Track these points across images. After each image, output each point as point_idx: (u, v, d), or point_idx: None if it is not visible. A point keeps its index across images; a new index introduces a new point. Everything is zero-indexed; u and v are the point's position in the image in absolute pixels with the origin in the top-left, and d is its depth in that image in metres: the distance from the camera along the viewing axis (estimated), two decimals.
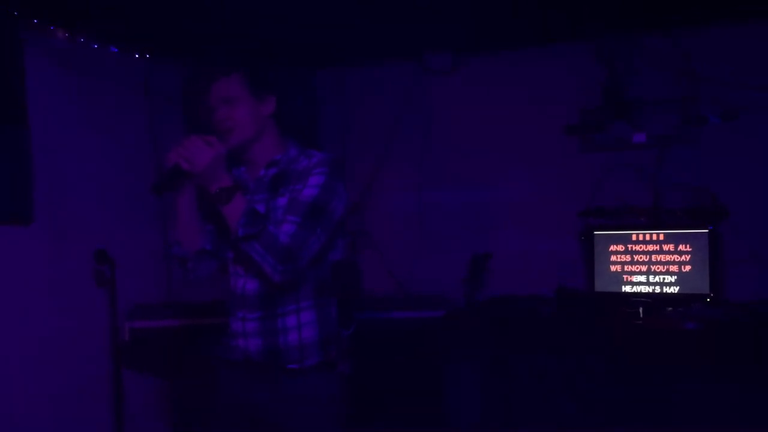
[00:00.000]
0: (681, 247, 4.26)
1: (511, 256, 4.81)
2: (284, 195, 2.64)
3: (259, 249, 2.49)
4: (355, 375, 2.79)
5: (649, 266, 4.33)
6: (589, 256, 4.52)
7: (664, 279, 4.30)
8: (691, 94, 4.46)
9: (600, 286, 4.46)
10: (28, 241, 3.94)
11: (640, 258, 4.36)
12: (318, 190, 2.58)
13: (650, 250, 4.34)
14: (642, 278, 4.36)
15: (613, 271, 4.44)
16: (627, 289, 4.40)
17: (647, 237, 4.35)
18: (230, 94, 2.65)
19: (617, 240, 4.43)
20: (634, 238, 4.39)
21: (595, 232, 4.50)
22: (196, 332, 4.24)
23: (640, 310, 4.11)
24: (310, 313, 2.67)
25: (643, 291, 4.35)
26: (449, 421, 4.44)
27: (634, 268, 4.39)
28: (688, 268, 4.24)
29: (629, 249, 4.39)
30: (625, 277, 4.41)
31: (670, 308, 4.10)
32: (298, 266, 2.53)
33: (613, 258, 4.45)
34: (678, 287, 4.27)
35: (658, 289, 4.32)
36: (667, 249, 4.30)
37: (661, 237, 4.31)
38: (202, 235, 2.74)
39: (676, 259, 4.27)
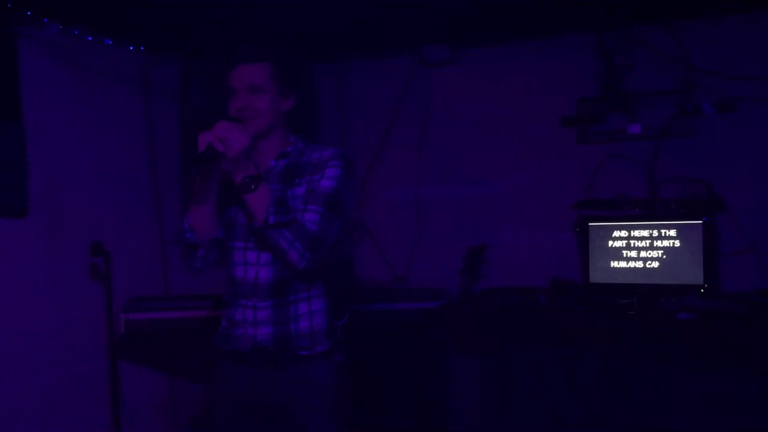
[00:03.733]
0: (675, 239, 4.26)
1: (507, 247, 4.83)
2: (301, 185, 2.68)
3: (288, 236, 2.53)
4: (351, 366, 2.81)
5: (644, 257, 4.33)
6: (584, 248, 4.51)
7: (658, 270, 4.29)
8: (687, 86, 4.46)
9: (595, 277, 4.46)
10: (24, 234, 3.95)
11: (635, 249, 4.36)
12: (336, 182, 2.64)
13: (645, 241, 4.33)
14: (636, 269, 4.35)
15: (608, 263, 4.43)
16: (621, 280, 4.39)
17: (642, 228, 4.35)
18: (259, 83, 2.68)
19: (612, 231, 4.42)
20: (628, 229, 4.38)
21: (590, 224, 4.48)
22: (192, 324, 4.26)
23: (635, 300, 4.12)
24: (319, 301, 2.73)
25: (637, 282, 4.33)
26: (446, 410, 4.46)
27: (628, 260, 4.38)
28: (682, 259, 4.23)
29: (624, 240, 4.39)
30: (619, 268, 4.40)
31: (663, 299, 4.10)
32: (321, 254, 2.59)
33: (608, 249, 4.44)
34: (672, 278, 4.25)
35: (652, 280, 4.31)
36: (661, 240, 4.29)
37: (656, 228, 4.31)
38: (217, 223, 2.75)
39: (671, 251, 4.26)
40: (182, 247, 2.81)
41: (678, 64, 4.47)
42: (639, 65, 4.58)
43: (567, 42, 4.74)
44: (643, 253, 4.33)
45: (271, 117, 2.71)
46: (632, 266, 4.36)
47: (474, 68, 5.04)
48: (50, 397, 4.05)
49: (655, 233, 4.30)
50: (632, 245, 4.36)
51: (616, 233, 4.41)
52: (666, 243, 4.27)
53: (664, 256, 4.27)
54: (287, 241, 2.53)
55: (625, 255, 4.37)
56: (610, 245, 4.42)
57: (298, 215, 2.57)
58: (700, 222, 4.19)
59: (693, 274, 4.18)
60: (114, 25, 4.31)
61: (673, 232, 4.26)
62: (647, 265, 4.32)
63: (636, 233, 4.35)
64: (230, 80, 2.71)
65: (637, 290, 4.23)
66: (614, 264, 4.40)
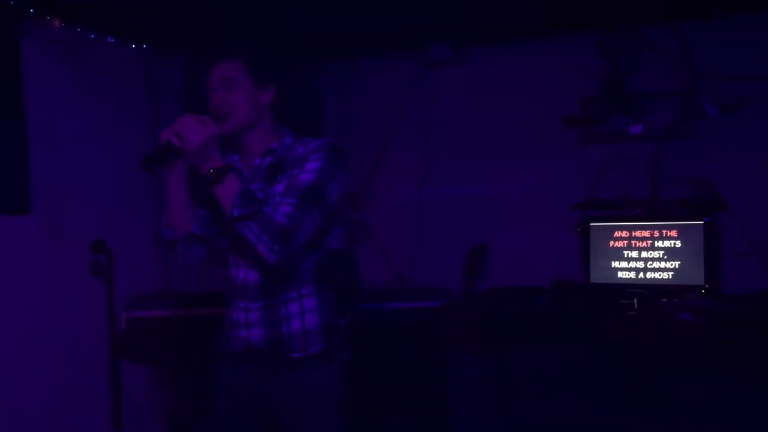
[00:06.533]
0: (677, 239, 4.25)
1: (509, 247, 4.83)
2: (282, 181, 2.65)
3: (254, 229, 2.48)
4: (354, 365, 2.80)
5: (645, 258, 4.32)
6: (585, 248, 4.50)
7: (659, 270, 4.29)
8: (691, 87, 4.44)
9: (596, 277, 4.45)
10: (26, 232, 3.97)
11: (636, 250, 4.35)
12: (315, 174, 2.58)
13: (646, 241, 4.32)
14: (638, 270, 4.35)
15: (609, 263, 4.43)
16: (623, 280, 4.38)
17: (643, 228, 4.34)
18: (231, 76, 2.67)
19: (613, 231, 4.42)
20: (630, 229, 4.38)
21: (592, 224, 4.48)
22: (194, 323, 4.26)
23: (636, 301, 4.10)
24: (311, 300, 2.68)
25: (638, 282, 4.33)
26: (449, 411, 4.45)
27: (630, 260, 4.37)
28: (683, 259, 4.23)
29: (625, 240, 4.38)
30: (621, 268, 4.40)
31: (664, 299, 4.09)
32: (293, 248, 2.53)
33: (609, 250, 4.43)
34: (674, 279, 4.25)
35: (653, 281, 4.30)
36: (663, 241, 4.28)
37: (657, 229, 4.30)
38: (192, 219, 2.75)
39: (672, 251, 4.26)
40: (165, 245, 2.82)
41: (682, 64, 4.46)
42: (642, 66, 4.57)
43: (571, 42, 4.73)
44: (644, 254, 4.32)
45: (250, 110, 2.69)
46: (633, 266, 4.36)
47: (478, 68, 5.04)
48: (51, 395, 4.06)
49: (657, 233, 4.30)
50: (633, 245, 4.36)
51: (617, 233, 4.41)
52: (667, 243, 4.27)
53: (666, 257, 4.27)
54: (254, 234, 2.48)
55: (626, 255, 4.37)
56: (611, 245, 4.41)
57: (268, 209, 2.54)
58: (701, 222, 4.19)
59: (694, 275, 4.18)
60: (117, 24, 4.34)
61: (674, 233, 4.25)
62: (648, 266, 4.31)
63: (637, 233, 4.35)
64: (207, 82, 2.72)
65: (638, 291, 4.22)
66: (615, 264, 4.40)
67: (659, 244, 4.29)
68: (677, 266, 4.24)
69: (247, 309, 2.69)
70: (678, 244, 4.24)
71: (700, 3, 4.21)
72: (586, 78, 4.67)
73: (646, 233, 4.32)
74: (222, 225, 2.66)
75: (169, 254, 2.86)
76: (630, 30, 4.55)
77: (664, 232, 4.28)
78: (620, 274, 4.39)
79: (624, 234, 4.39)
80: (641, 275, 4.33)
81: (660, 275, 4.28)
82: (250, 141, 2.75)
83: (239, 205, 2.49)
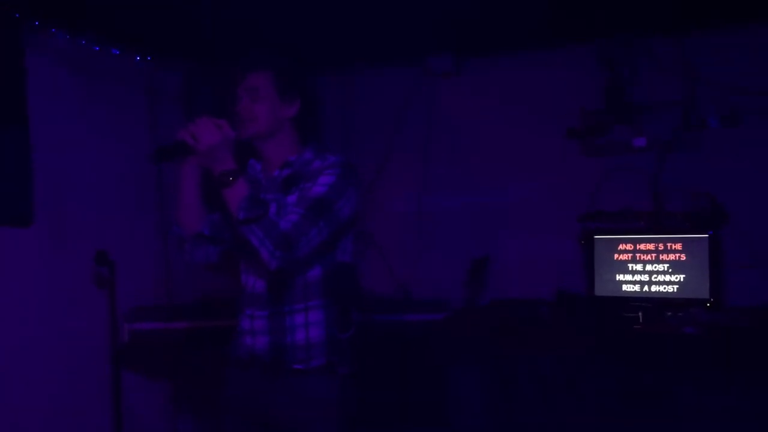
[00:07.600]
0: (681, 252, 4.25)
1: (512, 259, 4.83)
2: (294, 193, 2.66)
3: (258, 233, 2.49)
4: (356, 377, 2.79)
5: (649, 271, 4.33)
6: (589, 260, 4.50)
7: (664, 284, 4.29)
8: (692, 98, 4.45)
9: (600, 290, 4.46)
10: (29, 242, 3.95)
11: (641, 263, 4.35)
12: (326, 188, 2.60)
13: (650, 254, 4.33)
14: (642, 282, 4.35)
15: (613, 275, 4.43)
16: (627, 293, 4.39)
17: (648, 241, 4.35)
18: (257, 89, 2.70)
19: (617, 244, 4.43)
20: (634, 242, 4.38)
21: (595, 236, 4.49)
22: (196, 334, 4.25)
23: (640, 314, 4.11)
24: (317, 313, 2.67)
25: (643, 296, 4.33)
26: (451, 423, 4.45)
27: (633, 273, 4.38)
28: (688, 272, 4.23)
29: (630, 253, 4.39)
30: (624, 281, 4.40)
31: (669, 313, 4.10)
32: (294, 256, 2.53)
33: (613, 262, 4.44)
34: (678, 292, 4.25)
35: (657, 294, 4.30)
36: (667, 254, 4.29)
37: (662, 242, 4.31)
38: (203, 219, 2.78)
39: (676, 264, 4.26)
40: (174, 239, 2.86)
41: (683, 76, 4.47)
42: (644, 77, 4.57)
43: (572, 53, 4.73)
44: (648, 267, 4.33)
45: (269, 122, 2.71)
46: (638, 279, 4.36)
47: (478, 78, 5.04)
48: (53, 406, 4.04)
49: (661, 246, 4.30)
50: (638, 258, 4.36)
51: (621, 246, 4.41)
52: (672, 256, 4.27)
53: (670, 270, 4.27)
54: (258, 238, 2.50)
55: (630, 268, 4.37)
56: (615, 258, 4.42)
57: (274, 216, 2.57)
58: (706, 236, 4.19)
59: (699, 288, 4.18)
60: (120, 35, 4.34)
61: (678, 246, 4.25)
62: (653, 279, 4.32)
63: (641, 246, 4.35)
64: (236, 91, 2.75)
65: (643, 304, 4.23)
66: (620, 277, 4.40)
67: (664, 257, 4.29)
68: (682, 279, 4.24)
69: (252, 317, 2.70)
70: (683, 257, 4.24)
71: (701, 14, 4.22)
72: (588, 88, 4.67)
73: (651, 246, 4.33)
74: (233, 229, 2.68)
75: (171, 258, 2.87)
76: (631, 41, 4.56)
77: (668, 245, 4.28)
78: (624, 287, 4.39)
79: (628, 247, 4.39)
80: (646, 288, 4.33)
81: (665, 288, 4.28)
82: (269, 151, 2.77)
83: (245, 209, 2.52)
